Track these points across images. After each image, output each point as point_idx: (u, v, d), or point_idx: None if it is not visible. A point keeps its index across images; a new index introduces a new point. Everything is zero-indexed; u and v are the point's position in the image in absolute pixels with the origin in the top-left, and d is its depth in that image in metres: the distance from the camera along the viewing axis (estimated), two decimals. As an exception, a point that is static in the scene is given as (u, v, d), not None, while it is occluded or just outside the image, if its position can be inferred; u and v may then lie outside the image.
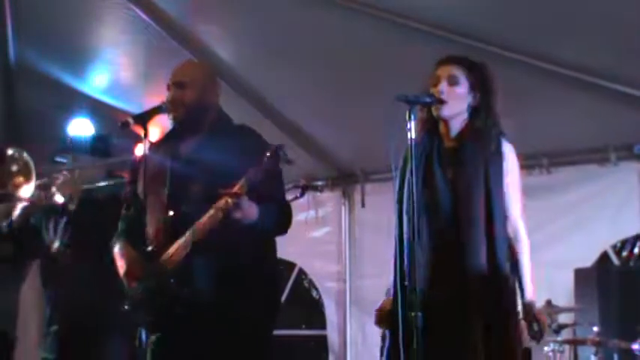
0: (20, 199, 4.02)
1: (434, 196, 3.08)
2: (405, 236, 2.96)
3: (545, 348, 4.76)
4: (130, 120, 3.22)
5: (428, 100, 3.10)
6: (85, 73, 5.67)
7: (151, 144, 3.33)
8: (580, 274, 5.22)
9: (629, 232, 5.73)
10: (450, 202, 3.07)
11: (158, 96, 3.44)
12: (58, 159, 4.19)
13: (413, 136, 2.93)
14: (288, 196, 3.53)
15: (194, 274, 3.11)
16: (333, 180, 6.53)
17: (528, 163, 5.23)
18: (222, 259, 3.12)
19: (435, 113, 3.15)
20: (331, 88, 5.30)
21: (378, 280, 5.90)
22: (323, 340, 6.72)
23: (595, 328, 4.70)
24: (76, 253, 4.04)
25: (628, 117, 4.94)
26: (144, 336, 3.22)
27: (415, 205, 2.89)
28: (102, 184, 4.15)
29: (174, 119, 3.32)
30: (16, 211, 4.04)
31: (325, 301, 6.64)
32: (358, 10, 4.54)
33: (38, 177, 4.00)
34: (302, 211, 6.18)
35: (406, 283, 2.87)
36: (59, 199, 4.02)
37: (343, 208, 6.53)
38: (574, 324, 4.96)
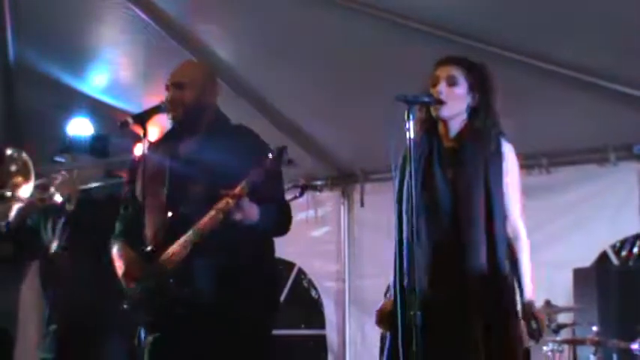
0: (18, 200, 4.01)
1: (434, 196, 3.08)
2: (405, 236, 2.97)
3: (545, 348, 4.76)
4: (130, 120, 3.23)
5: (427, 99, 3.10)
6: (84, 72, 5.67)
7: (150, 144, 3.33)
8: (579, 274, 5.22)
9: (629, 232, 5.74)
10: (450, 202, 3.07)
11: (157, 96, 3.44)
12: (57, 159, 4.19)
13: (412, 136, 2.93)
14: (288, 196, 3.54)
15: (194, 274, 3.11)
16: (333, 180, 6.52)
17: (528, 162, 5.23)
18: (221, 260, 3.12)
19: (434, 114, 3.15)
20: (331, 88, 5.29)
21: (378, 280, 5.94)
22: (322, 339, 6.72)
23: (594, 328, 4.70)
24: (75, 253, 4.04)
25: (627, 117, 4.94)
26: (143, 336, 3.22)
27: (415, 205, 2.89)
28: (101, 183, 4.15)
29: (173, 119, 3.32)
30: (13, 212, 4.04)
31: (324, 301, 6.64)
32: (358, 10, 4.54)
33: (37, 177, 4.00)
34: (301, 210, 6.18)
35: (405, 283, 2.87)
36: (58, 199, 4.02)
37: (342, 207, 6.53)
38: (573, 324, 4.96)
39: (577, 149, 5.49)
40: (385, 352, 3.11)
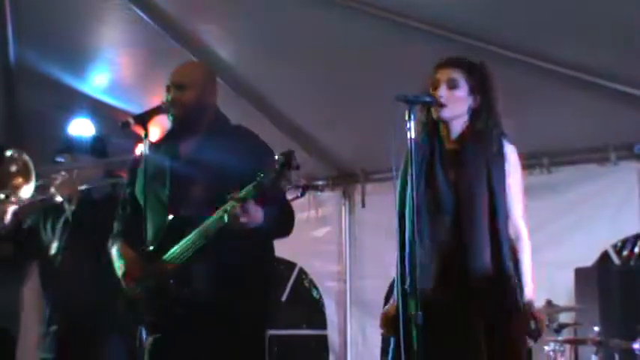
0: (13, 202, 4.01)
1: (436, 197, 3.08)
2: (407, 238, 2.96)
3: (546, 348, 4.75)
4: (131, 120, 3.22)
5: (428, 99, 3.10)
6: (85, 73, 5.67)
7: (150, 144, 3.33)
8: (580, 274, 5.22)
9: (630, 232, 5.73)
10: (452, 203, 3.07)
11: (158, 96, 3.44)
12: (57, 159, 4.19)
13: (413, 136, 2.93)
14: (289, 196, 3.53)
15: (194, 274, 3.11)
16: (334, 180, 6.52)
17: (528, 162, 5.22)
18: (222, 260, 3.12)
19: (435, 115, 3.15)
20: (331, 87, 5.29)
21: (378, 281, 5.95)
22: (323, 339, 6.72)
23: (596, 328, 4.69)
24: (75, 253, 4.04)
25: (628, 116, 4.94)
26: (144, 336, 3.22)
27: (416, 207, 2.89)
28: (101, 183, 4.15)
29: (174, 120, 3.33)
30: (8, 215, 4.03)
31: (326, 301, 6.64)
32: (357, 10, 4.53)
33: (38, 177, 4.00)
34: (302, 210, 6.18)
35: (406, 286, 2.87)
36: (58, 199, 4.02)
37: (343, 208, 6.53)
38: (575, 324, 4.95)
39: (577, 149, 5.49)
40: (390, 353, 3.12)
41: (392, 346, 3.11)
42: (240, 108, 5.10)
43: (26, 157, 4.05)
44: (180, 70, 3.41)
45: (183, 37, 5.11)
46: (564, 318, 4.95)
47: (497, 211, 3.05)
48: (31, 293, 5.74)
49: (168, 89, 3.34)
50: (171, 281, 3.10)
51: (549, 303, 4.81)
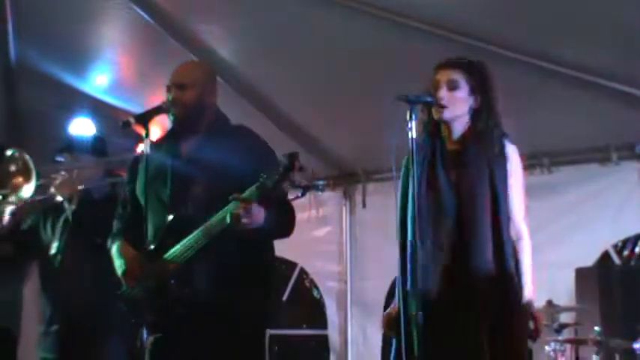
0: (10, 202, 4.00)
1: (438, 198, 3.08)
2: (409, 239, 2.96)
3: (547, 347, 4.76)
4: (132, 120, 3.22)
5: (429, 99, 3.10)
6: (86, 72, 5.67)
7: (151, 144, 3.33)
8: (581, 274, 5.22)
9: (631, 232, 5.73)
10: (453, 204, 3.07)
11: (159, 95, 3.44)
12: (57, 158, 4.19)
13: (414, 136, 2.93)
14: (290, 196, 3.53)
15: (194, 274, 3.11)
16: (335, 179, 6.52)
17: (529, 162, 5.22)
18: (222, 260, 3.12)
19: (436, 116, 3.15)
20: (331, 87, 5.29)
21: (379, 281, 5.95)
22: (324, 339, 6.72)
23: (596, 328, 4.69)
24: (75, 253, 4.04)
25: (629, 116, 4.93)
26: (145, 336, 3.22)
27: (418, 207, 2.89)
28: (101, 183, 4.15)
29: (174, 119, 3.33)
30: (6, 216, 4.03)
31: (326, 301, 6.63)
32: (358, 9, 4.54)
33: (38, 177, 4.00)
34: (303, 210, 6.17)
35: (408, 287, 2.87)
36: (58, 199, 4.02)
37: (344, 208, 6.53)
38: (575, 323, 4.96)
39: (578, 149, 5.48)
40: (392, 353, 3.12)
41: (395, 346, 3.10)
42: (240, 108, 5.10)
43: (26, 157, 4.05)
44: (180, 70, 3.41)
45: (183, 36, 5.11)
46: (565, 318, 4.95)
47: (499, 212, 3.05)
48: (31, 293, 5.75)
49: (168, 89, 3.34)
50: (172, 281, 3.10)
51: (550, 303, 4.81)
